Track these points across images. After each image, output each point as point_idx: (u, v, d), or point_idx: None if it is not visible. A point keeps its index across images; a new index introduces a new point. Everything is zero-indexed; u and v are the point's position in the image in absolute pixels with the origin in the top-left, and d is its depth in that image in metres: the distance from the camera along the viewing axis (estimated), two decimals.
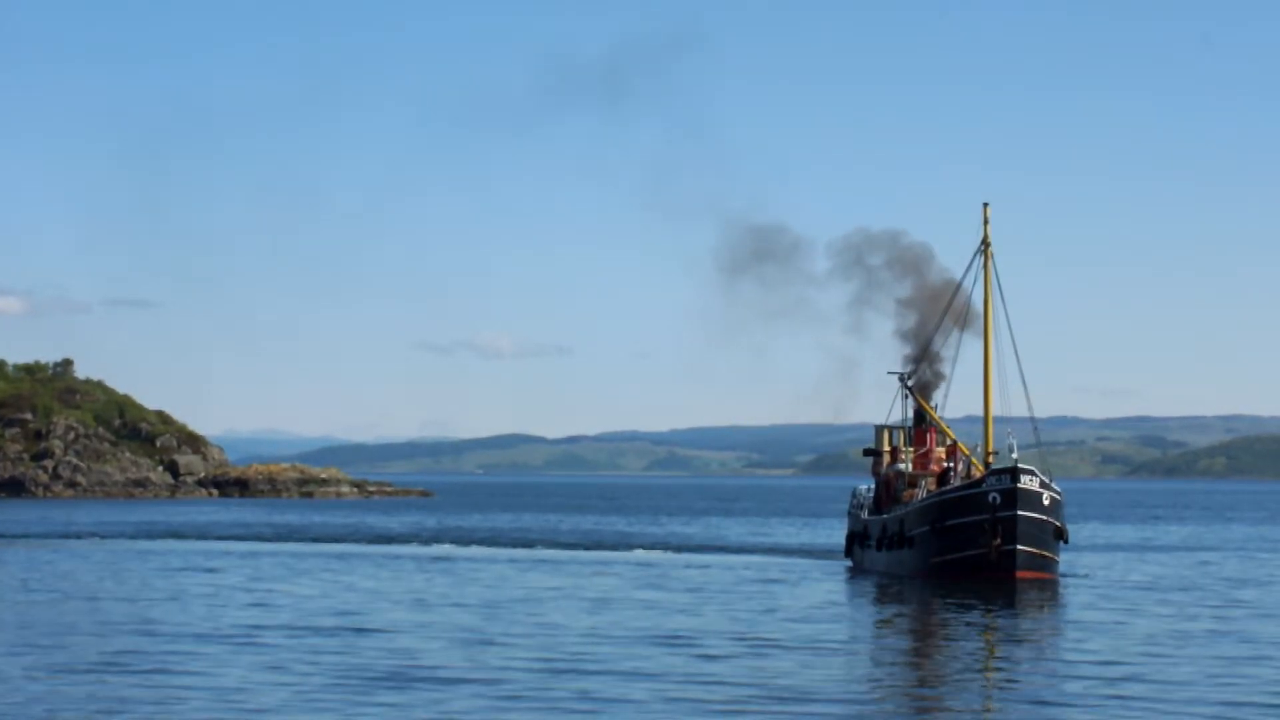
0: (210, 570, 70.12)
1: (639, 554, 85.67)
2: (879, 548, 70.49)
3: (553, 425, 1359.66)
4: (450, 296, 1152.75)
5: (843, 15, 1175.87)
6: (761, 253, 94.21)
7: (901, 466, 72.23)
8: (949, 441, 71.05)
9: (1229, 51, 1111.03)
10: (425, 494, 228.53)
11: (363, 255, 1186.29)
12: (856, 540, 75.27)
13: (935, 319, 72.87)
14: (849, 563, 75.96)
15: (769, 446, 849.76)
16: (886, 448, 74.35)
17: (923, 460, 71.61)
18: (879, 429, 75.10)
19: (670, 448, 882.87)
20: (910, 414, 73.37)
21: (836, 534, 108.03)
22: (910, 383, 73.16)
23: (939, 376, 73.51)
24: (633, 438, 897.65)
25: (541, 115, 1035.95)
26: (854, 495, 78.31)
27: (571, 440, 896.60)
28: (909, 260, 79.14)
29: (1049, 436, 65.31)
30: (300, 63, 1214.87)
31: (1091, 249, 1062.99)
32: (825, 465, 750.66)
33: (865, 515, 74.36)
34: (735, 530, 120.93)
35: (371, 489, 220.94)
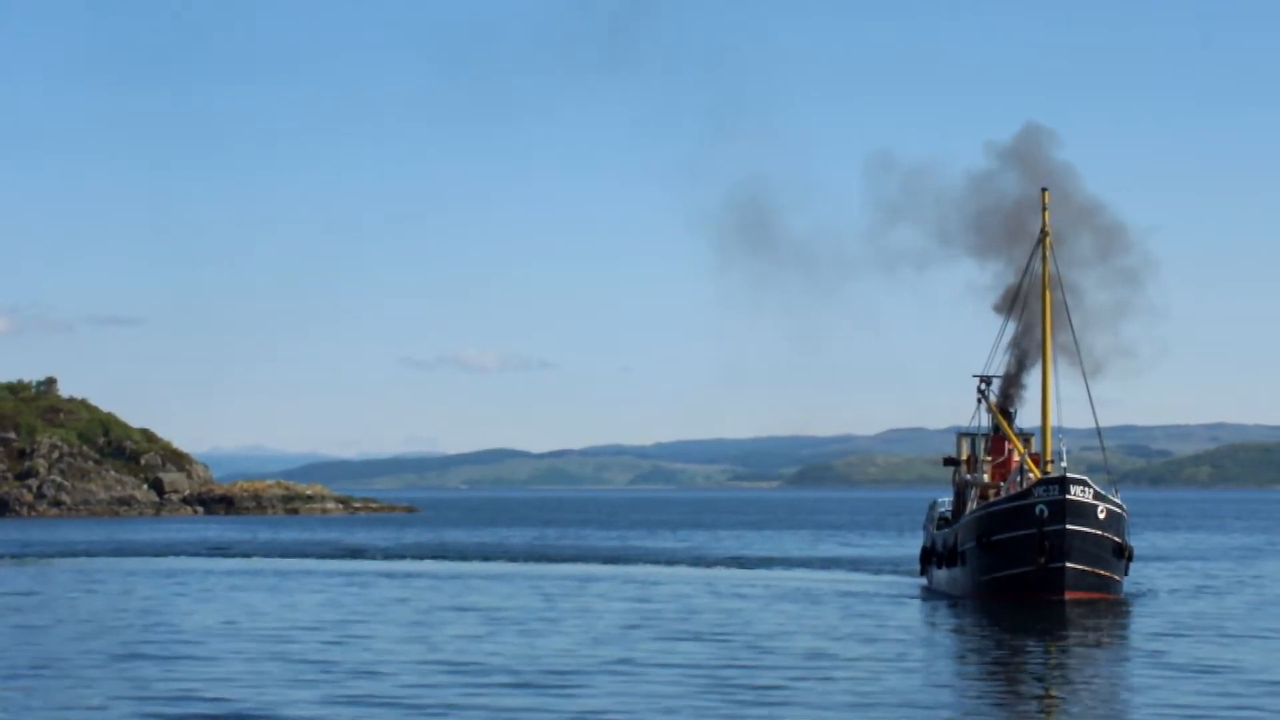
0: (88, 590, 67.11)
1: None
2: (939, 565, 66.06)
3: (537, 440, 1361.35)
4: (433, 312, 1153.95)
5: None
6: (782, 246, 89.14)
7: (969, 477, 67.08)
8: (1032, 450, 64.70)
9: (1227, 54, 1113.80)
10: (411, 509, 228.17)
11: (345, 271, 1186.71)
12: (926, 557, 70.19)
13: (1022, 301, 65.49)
14: (924, 581, 70.20)
15: (753, 459, 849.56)
16: (964, 456, 68.76)
17: (1001, 470, 65.89)
18: (959, 436, 69.74)
19: (655, 461, 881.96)
20: (989, 420, 67.46)
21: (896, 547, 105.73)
22: (988, 387, 66.71)
23: (1019, 386, 67.85)
24: (618, 451, 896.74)
25: (535, 99, 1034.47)
26: (930, 508, 73.02)
27: (556, 455, 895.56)
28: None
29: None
30: (282, 72, 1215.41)
31: None
32: (810, 477, 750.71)
33: (934, 529, 69.39)
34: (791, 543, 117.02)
35: (357, 505, 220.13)
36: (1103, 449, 63.30)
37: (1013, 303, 66.06)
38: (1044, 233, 62.98)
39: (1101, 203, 70.34)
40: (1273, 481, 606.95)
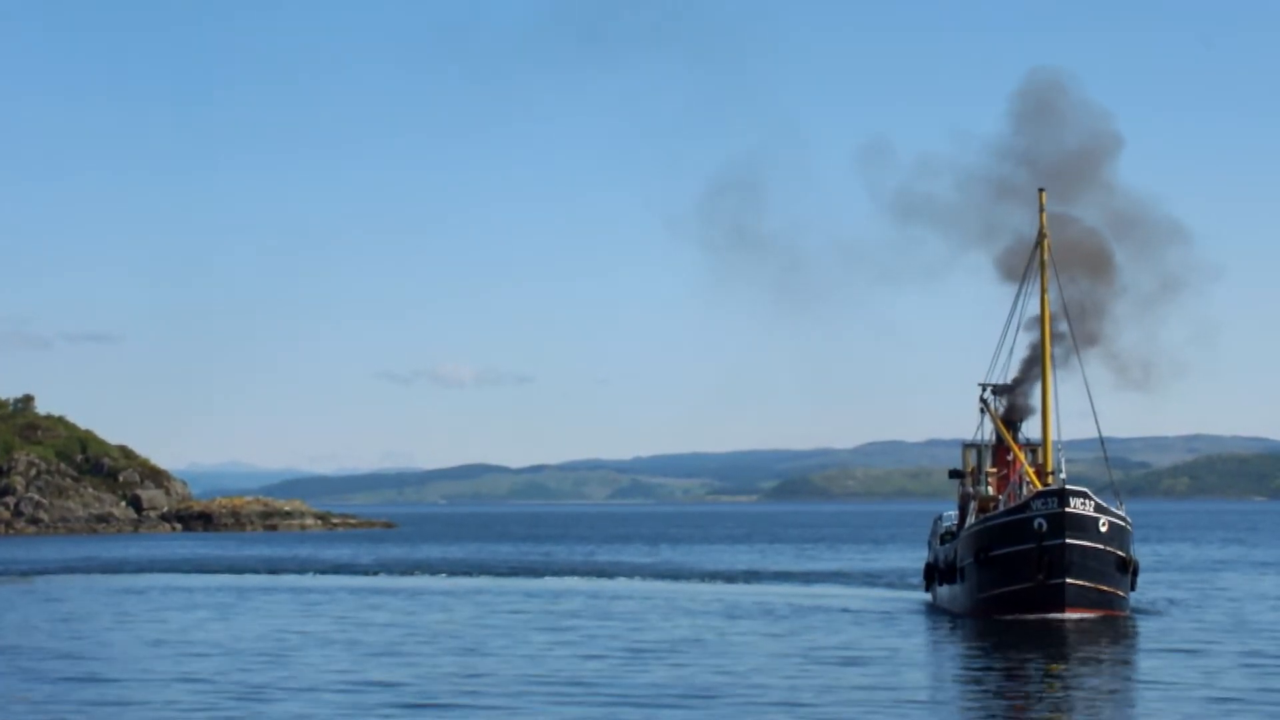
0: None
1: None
2: (940, 581, 64.25)
3: (515, 455, 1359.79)
4: (410, 326, 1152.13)
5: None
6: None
7: (972, 490, 64.69)
8: (1039, 462, 62.27)
9: (1229, 58, 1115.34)
10: (389, 525, 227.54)
11: (322, 286, 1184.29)
12: (930, 572, 67.93)
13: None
14: (928, 597, 68.01)
15: (732, 473, 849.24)
16: (969, 468, 66.10)
17: (1005, 483, 63.21)
18: (965, 447, 66.99)
19: (633, 475, 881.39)
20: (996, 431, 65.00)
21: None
22: (990, 395, 64.48)
23: (1026, 397, 64.95)
24: (596, 466, 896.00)
25: (511, 109, 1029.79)
26: (935, 522, 70.72)
27: (534, 469, 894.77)
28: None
29: None
30: (256, 85, 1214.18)
31: None
32: (788, 491, 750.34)
33: (938, 544, 67.15)
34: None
35: (335, 521, 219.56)
36: (1106, 461, 61.44)
37: (1016, 298, 63.33)
38: (1041, 234, 60.97)
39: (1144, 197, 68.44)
40: (1250, 493, 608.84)
